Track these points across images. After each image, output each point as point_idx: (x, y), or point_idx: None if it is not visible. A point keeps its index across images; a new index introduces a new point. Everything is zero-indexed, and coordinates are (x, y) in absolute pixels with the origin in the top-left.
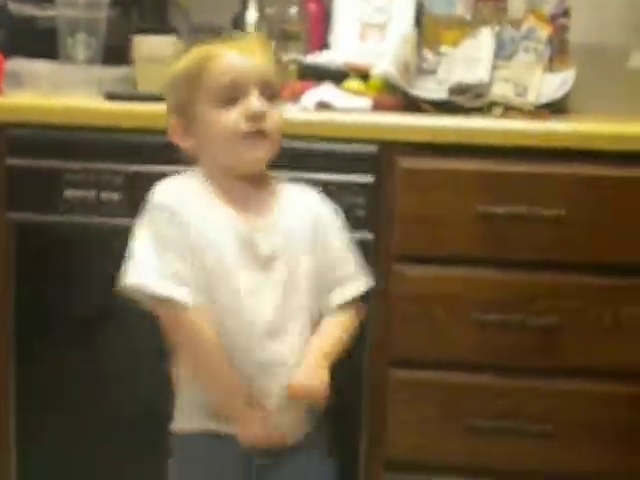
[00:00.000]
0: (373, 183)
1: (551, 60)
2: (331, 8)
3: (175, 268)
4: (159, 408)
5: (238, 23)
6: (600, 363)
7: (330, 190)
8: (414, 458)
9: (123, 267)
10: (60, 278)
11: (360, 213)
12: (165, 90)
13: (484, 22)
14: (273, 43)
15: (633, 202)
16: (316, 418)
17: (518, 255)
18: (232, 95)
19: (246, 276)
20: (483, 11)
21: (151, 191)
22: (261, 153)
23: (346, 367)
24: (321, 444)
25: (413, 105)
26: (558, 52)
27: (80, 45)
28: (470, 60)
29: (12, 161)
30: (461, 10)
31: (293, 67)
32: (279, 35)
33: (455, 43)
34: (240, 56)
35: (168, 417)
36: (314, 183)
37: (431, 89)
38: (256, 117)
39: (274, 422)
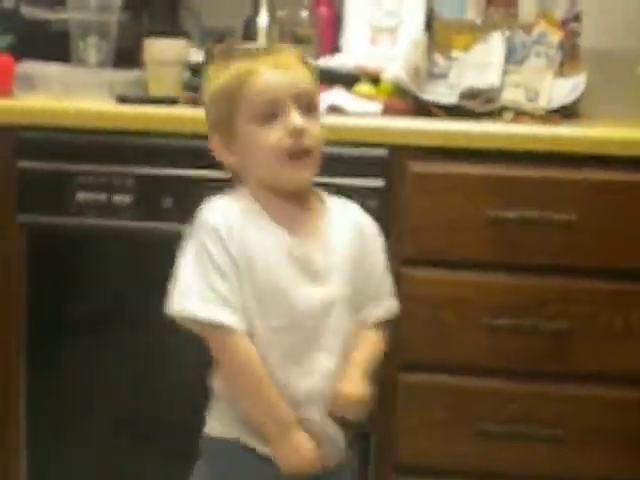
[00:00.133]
0: (383, 187)
1: (562, 65)
2: (342, 12)
3: (221, 290)
4: (172, 411)
5: (249, 27)
6: (611, 368)
7: (340, 194)
8: (424, 462)
9: (169, 291)
10: (71, 280)
11: (370, 217)
12: (205, 107)
13: (495, 27)
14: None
15: None
16: (351, 437)
17: (529, 260)
18: (271, 112)
19: (302, 294)
20: (494, 16)
21: (198, 212)
22: (306, 172)
23: None
24: (351, 461)
25: (424, 109)
26: (569, 57)
27: (92, 48)
28: (481, 65)
29: (24, 164)
30: (472, 15)
31: None
32: (290, 39)
33: (466, 48)
34: (276, 72)
35: (180, 420)
36: (324, 187)
37: (442, 93)
38: (297, 133)
39: (317, 447)
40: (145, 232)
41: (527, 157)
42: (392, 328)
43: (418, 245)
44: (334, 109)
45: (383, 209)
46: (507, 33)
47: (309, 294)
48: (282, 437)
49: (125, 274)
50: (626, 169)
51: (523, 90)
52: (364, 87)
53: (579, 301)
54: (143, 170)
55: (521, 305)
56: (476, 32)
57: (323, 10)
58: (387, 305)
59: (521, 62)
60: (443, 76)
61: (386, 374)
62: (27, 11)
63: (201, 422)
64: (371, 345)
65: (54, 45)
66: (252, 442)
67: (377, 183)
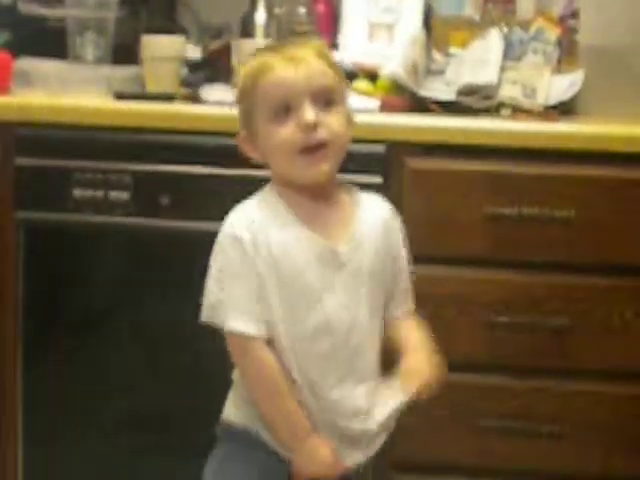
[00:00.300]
0: (381, 183)
1: (559, 62)
2: (340, 8)
3: (242, 300)
4: (171, 409)
5: (247, 23)
6: (611, 364)
7: None
8: (423, 459)
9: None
10: (69, 277)
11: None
12: (235, 102)
13: (493, 23)
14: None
15: None
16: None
17: (527, 256)
18: (285, 108)
19: (334, 293)
20: (492, 12)
21: (224, 221)
22: (323, 166)
23: None
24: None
25: (421, 106)
26: (567, 54)
27: (89, 45)
28: (479, 61)
29: (21, 160)
30: (470, 11)
31: None
32: (287, 35)
33: (464, 44)
34: (289, 67)
35: (177, 418)
36: None
37: (439, 90)
38: (309, 127)
39: (336, 451)
40: (142, 229)
41: (525, 153)
42: None
43: (416, 242)
44: None
45: None
46: (505, 30)
47: (340, 294)
48: (299, 444)
49: (122, 271)
50: (624, 165)
51: (520, 87)
52: (362, 84)
53: (578, 297)
54: (140, 167)
55: (520, 302)
56: (474, 28)
57: (321, 7)
58: (410, 299)
59: (519, 59)
60: (441, 72)
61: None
62: (24, 7)
63: (201, 420)
64: (417, 329)
65: (51, 41)
66: (265, 435)
67: (375, 179)
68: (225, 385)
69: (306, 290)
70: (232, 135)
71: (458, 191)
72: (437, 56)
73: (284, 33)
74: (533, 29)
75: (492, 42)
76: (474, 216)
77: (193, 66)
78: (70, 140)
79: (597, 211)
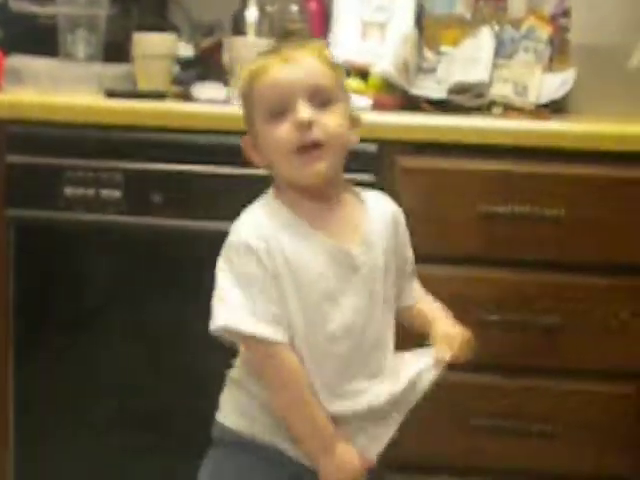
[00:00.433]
0: (373, 182)
1: (551, 60)
2: (331, 7)
3: (263, 305)
4: (163, 408)
5: (238, 21)
6: (602, 363)
7: None
8: (415, 458)
9: (212, 308)
10: (59, 275)
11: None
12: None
13: (484, 21)
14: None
15: (634, 202)
16: None
17: (519, 255)
18: (280, 109)
19: (350, 296)
20: (483, 10)
21: (231, 229)
22: (319, 166)
23: None
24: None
25: (413, 104)
26: (558, 52)
27: (80, 42)
28: (470, 60)
29: (12, 158)
30: (461, 9)
31: None
32: (280, 33)
33: (455, 42)
34: (284, 67)
35: (169, 417)
36: None
37: (431, 88)
38: (304, 126)
39: (362, 455)
40: (134, 227)
41: (516, 152)
42: None
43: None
44: None
45: None
46: (496, 28)
47: (356, 296)
48: (325, 452)
49: (114, 269)
50: (615, 164)
51: (512, 85)
52: (353, 82)
53: (570, 296)
54: (132, 165)
55: (511, 300)
56: (465, 27)
57: (313, 5)
58: (414, 293)
59: (510, 57)
60: (432, 71)
61: None
62: (15, 5)
63: (193, 419)
64: (433, 301)
65: (42, 39)
66: (267, 438)
67: (366, 178)
68: (218, 384)
69: (323, 295)
70: (224, 133)
71: (450, 190)
72: (428, 54)
73: (276, 31)
74: (524, 27)
75: (483, 40)
76: (466, 215)
77: (185, 64)
78: (61, 138)
79: (588, 210)
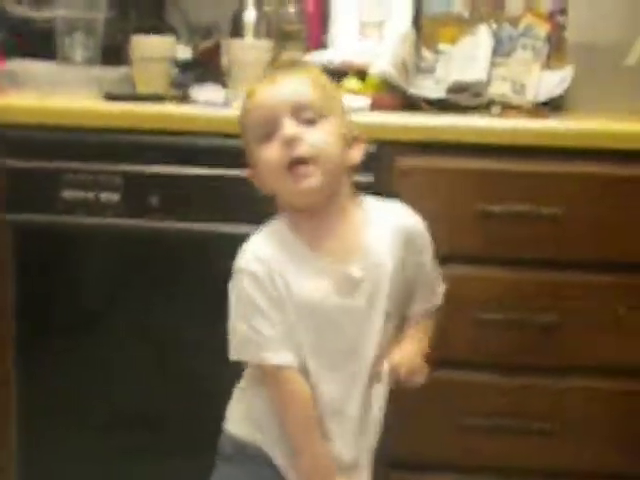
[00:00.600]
0: (372, 182)
1: (549, 58)
2: (329, 7)
3: (268, 333)
4: (164, 410)
5: (236, 22)
6: (600, 361)
7: None
8: (411, 456)
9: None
10: (59, 278)
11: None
12: None
13: (482, 20)
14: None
15: (631, 200)
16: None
17: (517, 253)
18: (269, 130)
19: (353, 316)
20: (481, 9)
21: (237, 256)
22: (309, 182)
23: None
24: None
25: (411, 104)
26: (555, 50)
27: (78, 45)
28: (468, 58)
29: (11, 162)
30: (459, 8)
31: None
32: (277, 34)
33: (453, 41)
34: (269, 89)
35: (170, 418)
36: None
37: (429, 88)
38: (289, 143)
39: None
40: (133, 230)
41: (515, 151)
42: None
43: None
44: None
45: None
46: (494, 26)
47: (359, 314)
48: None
49: (113, 272)
50: (613, 162)
51: (510, 83)
52: (352, 82)
53: (568, 294)
54: (130, 168)
55: (509, 299)
56: (463, 25)
57: (310, 5)
58: (437, 296)
59: (508, 55)
60: (430, 70)
61: None
62: (13, 9)
63: (191, 418)
64: (421, 331)
65: (40, 43)
66: (268, 449)
67: (365, 178)
68: (218, 386)
69: (327, 319)
70: (223, 135)
71: (448, 189)
72: (426, 54)
73: (274, 32)
74: (522, 25)
75: (481, 38)
76: (464, 214)
77: (183, 66)
78: (60, 141)
79: (586, 208)
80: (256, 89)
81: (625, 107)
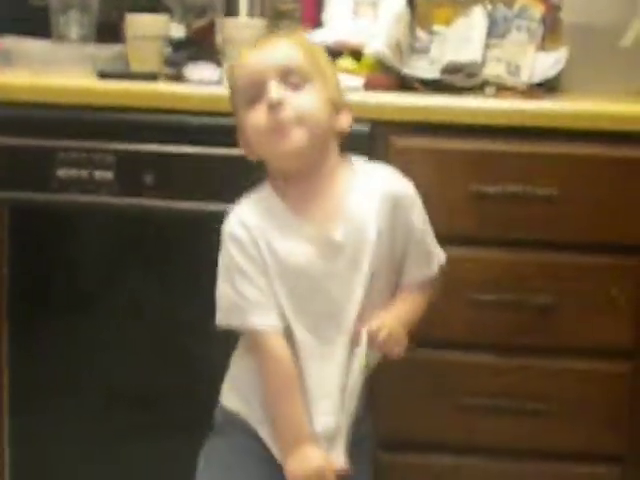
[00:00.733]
0: None
1: (543, 39)
2: None
3: (250, 296)
4: (159, 389)
5: (231, 1)
6: (595, 342)
7: None
8: (409, 437)
9: None
10: (53, 257)
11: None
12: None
13: (476, 1)
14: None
15: (627, 181)
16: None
17: (512, 234)
18: (255, 94)
19: (334, 278)
20: None
21: (224, 221)
22: (295, 142)
23: None
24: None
25: (406, 84)
26: (550, 31)
27: (73, 23)
28: (462, 39)
29: (4, 140)
30: None
31: None
32: (272, 13)
33: (447, 22)
34: (256, 54)
35: (169, 397)
36: None
37: (424, 68)
38: (274, 106)
39: (329, 461)
40: (127, 208)
41: (509, 132)
42: None
43: None
44: None
45: None
46: (488, 7)
47: (339, 275)
48: (294, 450)
49: (107, 250)
50: (608, 143)
51: (505, 64)
52: (346, 62)
53: (563, 276)
54: (124, 146)
55: (505, 280)
56: (457, 6)
57: None
58: (432, 264)
59: (503, 36)
60: (425, 51)
61: None
62: None
63: (188, 398)
64: (409, 302)
65: (35, 20)
66: (253, 422)
67: (360, 158)
68: (216, 366)
69: (310, 283)
70: (216, 114)
71: (443, 170)
72: (421, 34)
73: (268, 12)
74: (517, 6)
75: (476, 20)
76: (459, 194)
77: (177, 45)
78: (54, 119)
79: (581, 189)
80: (244, 55)
81: (620, 88)
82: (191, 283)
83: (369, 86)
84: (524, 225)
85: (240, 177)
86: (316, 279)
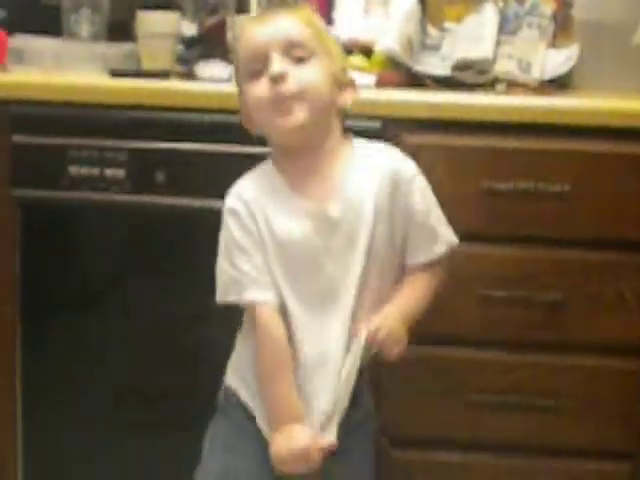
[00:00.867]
0: None
1: (555, 36)
2: None
3: (247, 271)
4: (169, 385)
5: None
6: (605, 339)
7: None
8: (418, 433)
9: None
10: (65, 254)
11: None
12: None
13: None
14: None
15: (637, 178)
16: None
17: (523, 231)
18: (258, 67)
19: (332, 257)
20: None
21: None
22: (297, 119)
23: None
24: (372, 416)
25: (417, 81)
26: (562, 28)
27: (84, 21)
28: (474, 36)
29: (17, 138)
30: None
31: None
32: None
33: (459, 19)
34: (260, 26)
35: (178, 393)
36: None
37: (435, 65)
38: (276, 79)
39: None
40: (138, 206)
41: (520, 128)
42: None
43: None
44: None
45: None
46: (500, 4)
47: (338, 256)
48: (283, 426)
49: (118, 248)
50: (619, 140)
51: (516, 61)
52: (357, 59)
53: (573, 272)
54: (136, 144)
55: (515, 276)
56: (469, 3)
57: None
58: (438, 244)
59: (514, 33)
60: (436, 47)
61: None
62: None
63: (198, 394)
64: (415, 289)
65: (46, 19)
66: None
67: None
68: (221, 364)
69: (306, 259)
70: (228, 112)
71: (454, 166)
72: (432, 31)
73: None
74: (528, 3)
75: (487, 16)
76: (470, 191)
77: (188, 42)
78: (65, 117)
79: (592, 186)
80: (247, 28)
81: (631, 85)
82: (203, 279)
83: (380, 83)
84: (535, 222)
85: None
86: (312, 255)
